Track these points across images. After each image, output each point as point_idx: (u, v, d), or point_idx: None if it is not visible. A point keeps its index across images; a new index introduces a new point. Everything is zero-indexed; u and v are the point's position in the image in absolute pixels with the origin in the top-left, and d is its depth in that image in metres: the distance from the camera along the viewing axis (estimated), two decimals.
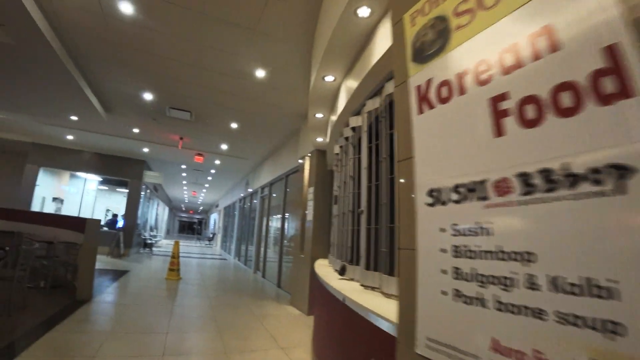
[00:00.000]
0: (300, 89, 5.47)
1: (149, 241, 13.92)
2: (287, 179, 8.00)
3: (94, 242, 5.15)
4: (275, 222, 8.76)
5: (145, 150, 10.98)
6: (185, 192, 21.99)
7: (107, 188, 15.35)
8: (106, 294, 5.41)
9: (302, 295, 5.55)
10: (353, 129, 3.33)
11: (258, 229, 10.26)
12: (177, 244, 7.75)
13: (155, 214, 19.36)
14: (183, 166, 13.27)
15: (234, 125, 7.68)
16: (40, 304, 4.47)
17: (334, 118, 4.07)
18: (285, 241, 7.73)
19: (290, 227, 7.59)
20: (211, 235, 26.25)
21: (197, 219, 44.45)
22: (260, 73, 5.14)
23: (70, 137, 10.43)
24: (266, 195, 9.95)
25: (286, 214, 7.83)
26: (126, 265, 9.06)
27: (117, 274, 7.42)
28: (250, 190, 12.36)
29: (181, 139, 9.27)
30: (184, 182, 17.60)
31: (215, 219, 27.12)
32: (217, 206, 25.46)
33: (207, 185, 18.33)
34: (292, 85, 5.43)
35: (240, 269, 11.19)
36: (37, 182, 11.23)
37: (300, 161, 6.48)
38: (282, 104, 6.19)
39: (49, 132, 10.15)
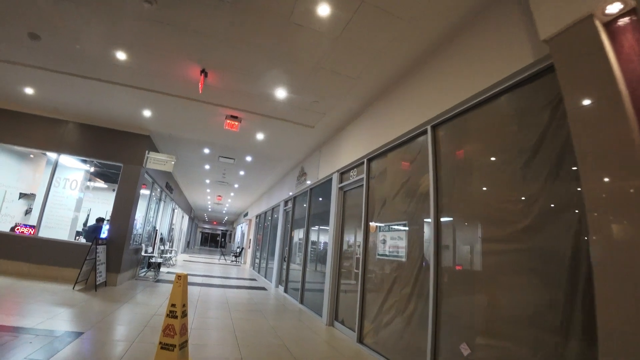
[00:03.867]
0: None
1: (155, 259, 9.63)
2: (436, 133, 3.46)
3: None
4: (392, 235, 4.15)
5: (147, 114, 6.81)
6: (208, 195, 17.87)
7: (105, 186, 11.35)
8: None
9: None
10: None
11: (335, 248, 5.71)
12: (182, 281, 3.28)
13: (170, 222, 15.16)
14: (206, 150, 9.05)
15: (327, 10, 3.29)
16: None
17: None
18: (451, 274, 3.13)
19: (469, 243, 3.00)
20: (238, 251, 21.87)
21: (222, 230, 40.62)
22: None
23: (29, 91, 6.43)
24: (355, 184, 5.44)
25: (445, 213, 3.26)
26: (93, 311, 4.69)
27: (41, 350, 3.05)
28: (308, 182, 7.92)
29: (203, 73, 5.01)
30: (207, 180, 13.41)
31: (243, 231, 22.80)
32: (245, 215, 21.19)
33: (236, 186, 14.07)
34: None
35: (295, 311, 6.63)
36: None
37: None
38: None
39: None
